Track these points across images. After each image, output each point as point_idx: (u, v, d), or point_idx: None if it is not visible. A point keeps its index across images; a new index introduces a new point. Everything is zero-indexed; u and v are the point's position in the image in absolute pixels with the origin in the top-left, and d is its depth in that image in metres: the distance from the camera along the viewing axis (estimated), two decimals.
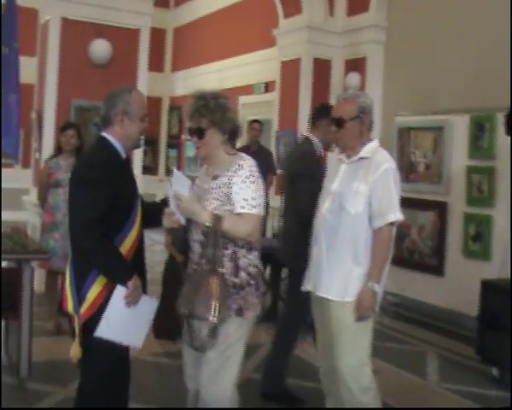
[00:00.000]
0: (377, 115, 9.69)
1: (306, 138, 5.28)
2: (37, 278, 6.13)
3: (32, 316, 5.21)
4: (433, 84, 8.72)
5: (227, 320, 3.49)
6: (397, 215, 3.97)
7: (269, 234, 9.83)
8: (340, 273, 3.97)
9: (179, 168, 14.94)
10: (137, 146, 3.79)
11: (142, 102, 3.73)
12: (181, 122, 15.54)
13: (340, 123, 4.02)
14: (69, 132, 7.02)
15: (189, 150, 15.05)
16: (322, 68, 10.39)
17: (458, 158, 7.67)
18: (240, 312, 3.55)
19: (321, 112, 5.24)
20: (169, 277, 6.62)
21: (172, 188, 3.57)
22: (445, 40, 8.66)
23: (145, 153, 10.94)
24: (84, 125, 8.24)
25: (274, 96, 11.07)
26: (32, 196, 8.44)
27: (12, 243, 5.34)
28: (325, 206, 4.07)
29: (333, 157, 4.42)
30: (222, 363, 3.57)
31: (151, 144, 15.95)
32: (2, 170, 14.23)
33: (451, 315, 7.73)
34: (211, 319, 3.37)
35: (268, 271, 8.18)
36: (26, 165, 12.07)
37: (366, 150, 4.04)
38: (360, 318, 3.94)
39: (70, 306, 3.54)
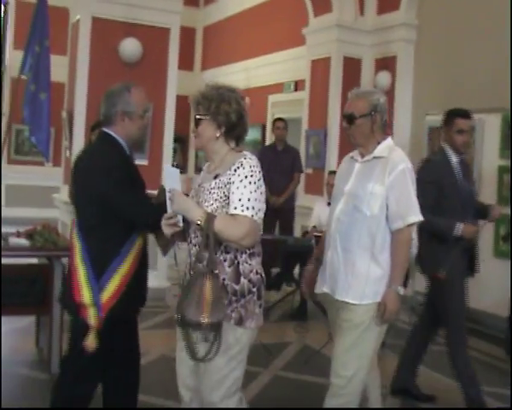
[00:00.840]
0: (407, 114, 9.78)
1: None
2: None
3: (62, 312, 5.26)
4: (463, 83, 8.65)
5: (226, 330, 3.29)
6: (418, 217, 3.92)
7: (297, 233, 9.83)
8: (357, 276, 3.86)
9: None
10: (140, 140, 3.86)
11: (142, 99, 3.84)
12: None
13: (350, 119, 3.95)
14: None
15: None
16: (352, 67, 10.36)
17: (489, 157, 7.61)
18: (240, 321, 3.34)
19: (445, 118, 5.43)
20: None
21: (166, 186, 3.38)
22: (476, 38, 8.59)
23: (175, 151, 10.96)
24: None
25: (304, 94, 11.05)
26: (63, 194, 8.51)
27: (43, 240, 5.40)
28: (339, 207, 3.96)
29: (345, 158, 4.26)
30: (224, 374, 3.37)
31: (181, 142, 15.99)
32: (34, 168, 14.56)
33: (482, 316, 7.66)
34: (202, 320, 3.16)
35: (297, 269, 8.20)
36: (56, 163, 12.16)
37: (381, 149, 3.95)
38: (386, 321, 3.88)
39: (87, 297, 3.61)
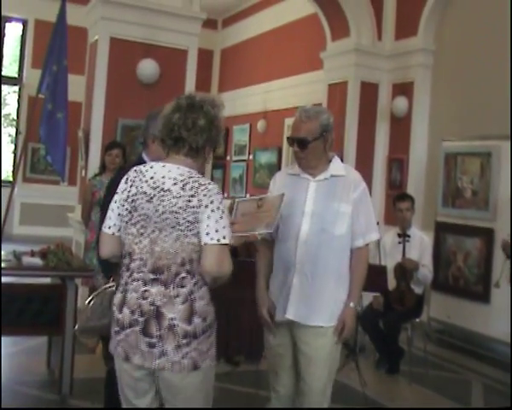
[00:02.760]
0: (424, 140, 9.74)
1: None
2: (81, 295, 6.16)
3: (74, 333, 5.23)
4: (481, 109, 8.61)
5: (182, 380, 3.02)
6: (377, 235, 3.98)
7: None
8: (328, 299, 3.82)
9: (224, 189, 15.01)
10: None
11: None
12: (226, 143, 15.58)
13: (303, 144, 3.80)
14: (114, 152, 7.08)
15: (235, 171, 15.09)
16: (369, 92, 10.35)
17: (505, 184, 7.54)
18: (195, 366, 3.00)
19: None
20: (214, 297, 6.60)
21: None
22: (494, 64, 8.56)
23: None
24: (131, 143, 8.29)
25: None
26: (77, 214, 8.51)
27: (56, 260, 5.38)
28: (303, 229, 3.79)
29: (280, 174, 4.15)
30: None
31: None
32: (49, 186, 14.59)
33: (497, 343, 7.59)
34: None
35: None
36: (72, 182, 12.20)
37: (337, 168, 3.90)
38: (344, 339, 3.86)
39: None
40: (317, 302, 3.81)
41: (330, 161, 3.90)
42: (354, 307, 3.84)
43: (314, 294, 3.80)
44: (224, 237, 2.96)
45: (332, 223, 3.78)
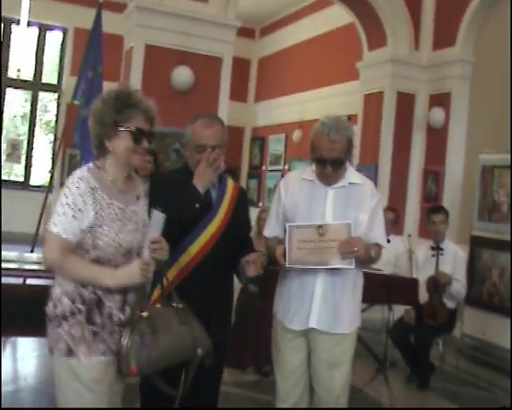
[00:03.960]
0: (461, 152, 9.59)
1: None
2: None
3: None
4: None
5: (56, 364, 2.98)
6: (385, 243, 3.97)
7: None
8: (347, 306, 3.83)
9: (259, 199, 14.98)
10: None
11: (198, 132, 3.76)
12: (262, 153, 15.57)
13: (338, 164, 3.72)
14: (146, 158, 7.07)
15: (270, 181, 15.04)
16: (405, 102, 10.23)
17: None
18: (70, 352, 2.93)
19: None
20: (241, 306, 6.58)
21: (151, 231, 3.12)
22: None
23: None
24: (164, 151, 8.30)
25: (356, 129, 10.94)
26: None
27: None
28: None
29: (292, 178, 4.03)
30: None
31: (232, 174, 15.94)
32: None
33: None
34: None
35: None
36: None
37: (353, 176, 3.88)
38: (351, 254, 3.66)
39: None
40: (338, 310, 3.80)
41: (346, 168, 3.85)
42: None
43: (336, 302, 3.79)
44: (54, 224, 2.95)
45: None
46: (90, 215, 2.94)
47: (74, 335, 2.93)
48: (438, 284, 6.56)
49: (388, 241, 7.68)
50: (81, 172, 3.03)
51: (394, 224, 8.05)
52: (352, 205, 3.80)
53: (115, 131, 3.03)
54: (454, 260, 6.78)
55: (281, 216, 3.94)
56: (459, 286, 6.67)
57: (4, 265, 4.80)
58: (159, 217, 3.08)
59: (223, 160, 3.76)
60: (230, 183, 3.89)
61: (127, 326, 2.95)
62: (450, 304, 6.69)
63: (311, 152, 3.81)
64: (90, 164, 3.12)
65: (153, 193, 3.55)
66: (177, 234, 3.50)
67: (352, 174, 3.88)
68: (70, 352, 2.92)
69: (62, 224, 2.92)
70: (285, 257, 3.70)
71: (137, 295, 3.03)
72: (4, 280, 4.11)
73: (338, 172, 3.77)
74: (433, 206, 7.69)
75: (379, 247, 3.91)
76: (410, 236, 7.56)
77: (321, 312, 3.78)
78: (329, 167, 3.70)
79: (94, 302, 2.97)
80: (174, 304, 3.14)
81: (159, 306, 3.12)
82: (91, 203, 2.95)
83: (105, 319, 2.99)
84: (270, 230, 4.02)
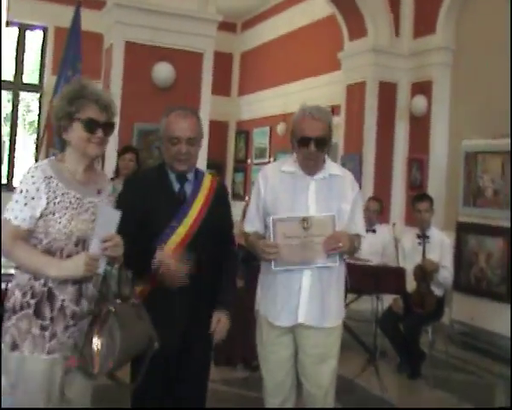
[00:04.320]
0: (444, 139, 9.60)
1: None
2: None
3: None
4: (501, 107, 8.45)
5: (3, 356, 2.95)
6: (364, 233, 3.98)
7: None
8: (333, 298, 3.81)
9: (245, 193, 14.96)
10: None
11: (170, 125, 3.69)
12: (247, 146, 15.54)
13: (322, 144, 3.69)
14: (127, 156, 7.06)
15: (256, 175, 14.94)
16: (387, 92, 10.25)
17: None
18: (14, 346, 2.94)
19: None
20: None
21: (99, 227, 3.03)
22: None
23: None
24: (147, 148, 8.27)
25: (339, 119, 10.94)
26: None
27: None
28: None
29: (271, 170, 3.94)
30: None
31: (217, 168, 15.96)
32: None
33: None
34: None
35: None
36: None
37: (333, 167, 3.88)
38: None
39: None
40: (326, 303, 3.77)
41: (324, 160, 3.84)
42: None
43: (323, 295, 3.76)
44: (7, 211, 2.98)
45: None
46: (43, 203, 2.97)
47: (21, 328, 2.94)
48: (425, 272, 6.55)
49: (374, 231, 7.73)
50: (39, 163, 3.09)
51: (379, 214, 8.05)
52: (335, 196, 3.78)
53: (69, 122, 3.05)
54: (440, 247, 6.78)
55: (261, 210, 3.87)
56: (446, 273, 6.67)
57: None
58: (113, 214, 3.07)
59: (197, 155, 3.67)
60: (208, 177, 3.79)
61: (84, 319, 2.99)
62: (437, 291, 6.69)
63: (293, 136, 3.79)
64: (52, 157, 3.17)
65: (125, 194, 3.61)
66: (149, 236, 3.50)
67: (331, 166, 3.87)
68: (14, 345, 2.94)
69: (14, 210, 2.96)
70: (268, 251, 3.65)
71: (101, 288, 3.05)
72: None
73: (321, 154, 3.73)
74: (417, 194, 7.68)
75: (359, 237, 3.91)
76: (394, 224, 7.58)
77: (309, 306, 3.73)
78: (313, 147, 3.65)
79: (44, 295, 2.97)
80: (131, 300, 3.14)
81: (118, 301, 3.08)
82: (45, 191, 2.98)
83: (56, 312, 2.99)
84: (251, 225, 3.93)
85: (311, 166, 3.77)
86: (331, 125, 3.77)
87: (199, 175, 3.76)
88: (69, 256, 3.00)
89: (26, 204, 2.95)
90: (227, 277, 3.76)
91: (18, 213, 2.95)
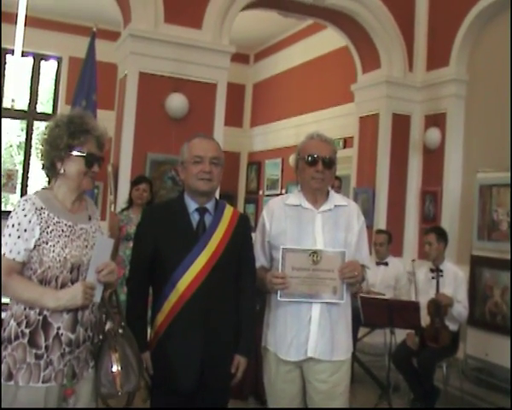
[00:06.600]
0: (458, 171, 9.54)
1: None
2: None
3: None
4: None
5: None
6: (369, 265, 4.01)
7: None
8: (342, 330, 3.77)
9: (256, 224, 14.88)
10: None
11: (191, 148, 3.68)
12: (259, 177, 15.52)
13: (330, 164, 3.70)
14: (141, 186, 7.05)
15: None
16: (401, 124, 10.21)
17: None
18: (9, 376, 2.92)
19: None
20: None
21: (96, 257, 3.05)
22: None
23: None
24: (160, 178, 8.26)
25: (352, 152, 10.92)
26: None
27: None
28: None
29: (275, 205, 3.88)
30: None
31: (229, 199, 15.92)
32: None
33: None
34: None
35: None
36: (102, 217, 12.14)
37: (337, 198, 3.86)
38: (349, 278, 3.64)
39: None
40: (335, 336, 3.72)
41: (327, 192, 3.84)
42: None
43: (332, 327, 3.71)
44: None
45: None
46: (36, 234, 2.97)
47: (16, 358, 2.94)
48: (439, 307, 6.47)
49: (386, 264, 7.66)
50: (28, 196, 3.07)
51: (388, 245, 7.97)
52: (341, 227, 3.75)
53: (68, 154, 3.06)
54: (455, 281, 6.70)
55: (266, 245, 3.84)
56: (461, 308, 6.59)
57: None
58: (107, 242, 3.13)
59: (219, 178, 3.64)
60: (229, 209, 3.69)
61: (81, 347, 3.05)
62: (452, 326, 6.60)
63: (299, 160, 3.80)
64: (39, 189, 3.18)
65: (144, 226, 3.57)
66: (166, 268, 3.45)
67: (335, 197, 3.86)
68: (9, 376, 2.93)
69: (7, 245, 2.95)
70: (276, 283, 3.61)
71: (101, 316, 3.13)
72: None
73: (327, 178, 3.73)
74: (427, 227, 7.61)
75: (364, 268, 3.88)
76: (413, 260, 7.44)
77: (318, 339, 3.68)
78: (321, 165, 3.67)
79: (39, 324, 2.96)
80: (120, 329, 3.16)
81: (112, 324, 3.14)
82: (37, 222, 2.98)
83: (51, 340, 2.97)
84: (256, 260, 3.85)
85: (317, 188, 3.74)
86: (336, 153, 3.80)
87: (220, 205, 3.68)
88: (64, 284, 3.00)
89: (19, 237, 2.95)
90: (246, 317, 3.63)
91: (12, 246, 2.95)
